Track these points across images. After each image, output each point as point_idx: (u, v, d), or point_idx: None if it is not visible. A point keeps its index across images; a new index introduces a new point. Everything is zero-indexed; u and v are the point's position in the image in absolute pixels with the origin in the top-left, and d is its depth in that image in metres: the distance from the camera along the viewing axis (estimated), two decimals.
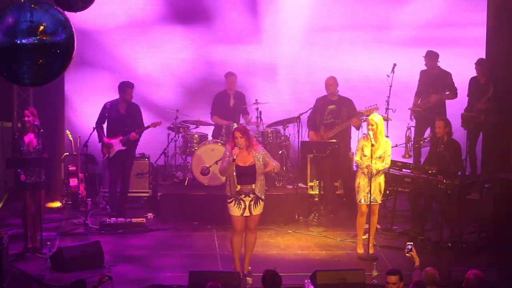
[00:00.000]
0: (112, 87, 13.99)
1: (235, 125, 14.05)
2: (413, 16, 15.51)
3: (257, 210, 10.83)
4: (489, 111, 14.22)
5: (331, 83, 13.62)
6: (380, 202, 12.06)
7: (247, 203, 10.76)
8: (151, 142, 14.79)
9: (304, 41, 15.62)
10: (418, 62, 14.80)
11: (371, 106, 13.11)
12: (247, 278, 10.53)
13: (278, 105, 15.37)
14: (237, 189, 10.73)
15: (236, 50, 15.60)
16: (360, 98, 14.00)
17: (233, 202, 10.78)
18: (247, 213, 10.79)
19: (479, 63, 14.51)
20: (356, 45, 15.59)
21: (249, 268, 10.83)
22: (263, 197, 10.83)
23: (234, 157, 10.61)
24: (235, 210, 10.78)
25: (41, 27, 7.70)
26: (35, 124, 12.01)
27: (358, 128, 13.50)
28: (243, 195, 10.75)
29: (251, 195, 10.76)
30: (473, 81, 14.58)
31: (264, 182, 10.91)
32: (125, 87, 13.36)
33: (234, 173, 10.71)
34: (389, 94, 13.85)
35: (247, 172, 10.73)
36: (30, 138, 11.96)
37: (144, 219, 13.51)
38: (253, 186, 10.75)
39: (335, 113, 13.60)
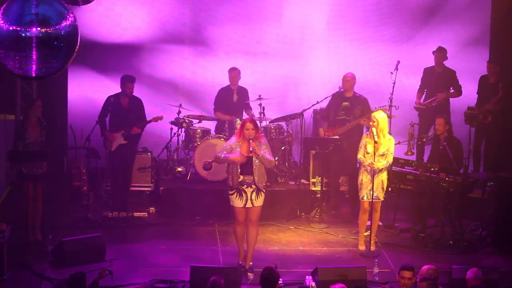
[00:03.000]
0: (116, 80, 13.97)
1: (238, 121, 14.08)
2: (415, 14, 15.50)
3: (259, 201, 10.95)
4: (498, 112, 14.19)
5: (349, 79, 13.57)
6: (382, 199, 12.05)
7: (248, 194, 10.90)
8: (154, 136, 14.81)
9: (308, 37, 15.61)
10: (422, 59, 14.81)
11: (380, 107, 13.12)
12: (249, 274, 10.54)
13: (281, 100, 15.38)
14: (239, 180, 10.86)
15: (240, 46, 15.60)
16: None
17: (235, 193, 10.92)
18: (249, 205, 10.93)
19: (492, 62, 14.45)
20: (360, 41, 15.58)
21: (250, 263, 10.88)
22: (263, 189, 10.95)
23: (251, 149, 10.74)
24: (237, 202, 10.92)
25: (45, 20, 7.70)
26: (38, 117, 12.05)
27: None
28: (245, 186, 10.89)
29: (253, 186, 10.88)
30: (482, 80, 14.54)
31: (264, 174, 11.00)
32: (125, 81, 13.37)
33: (238, 163, 10.87)
34: (392, 91, 13.83)
35: (249, 162, 10.86)
36: (34, 130, 11.99)
37: (146, 213, 13.57)
38: (252, 177, 10.87)
39: (347, 110, 13.57)
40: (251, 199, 10.92)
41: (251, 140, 10.77)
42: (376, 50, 15.54)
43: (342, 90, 13.72)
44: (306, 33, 15.62)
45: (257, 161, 10.86)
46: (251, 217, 11.01)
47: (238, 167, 10.86)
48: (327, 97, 14.01)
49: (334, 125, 13.66)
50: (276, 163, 13.72)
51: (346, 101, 13.62)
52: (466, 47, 15.41)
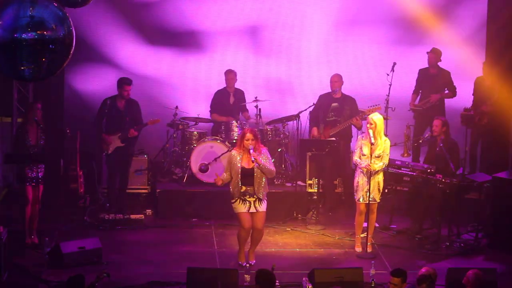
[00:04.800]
0: (112, 83, 13.97)
1: (235, 123, 14.10)
2: (412, 15, 15.50)
3: (262, 207, 11.16)
4: (494, 114, 14.19)
5: (336, 80, 13.62)
6: (378, 201, 12.04)
7: (252, 202, 11.10)
8: (150, 138, 14.79)
9: (305, 39, 15.61)
10: (417, 60, 14.82)
11: (373, 106, 13.12)
12: (245, 276, 10.54)
13: (277, 102, 15.37)
14: (241, 190, 11.04)
15: (236, 47, 15.60)
16: (359, 96, 14.02)
17: (238, 200, 11.12)
18: (252, 209, 11.11)
19: (488, 63, 14.43)
20: (357, 42, 15.58)
21: (252, 262, 11.16)
22: (265, 198, 11.17)
23: (253, 159, 10.93)
24: (240, 207, 11.10)
25: (41, 23, 7.71)
26: (36, 120, 12.05)
27: (359, 128, 13.49)
28: (248, 196, 11.08)
29: (255, 196, 11.08)
30: (477, 82, 14.53)
31: (265, 184, 11.17)
32: (122, 84, 13.37)
33: (239, 175, 11.00)
34: (389, 93, 13.84)
35: (250, 173, 11.03)
36: (33, 133, 12.00)
37: (142, 215, 13.56)
38: (253, 187, 11.06)
39: (337, 111, 13.59)
40: (254, 206, 11.12)
41: (251, 151, 10.85)
42: (373, 52, 15.53)
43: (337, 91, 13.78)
44: (303, 34, 15.61)
45: (258, 171, 10.99)
46: (257, 225, 11.19)
47: (239, 178, 11.00)
48: None
49: (324, 126, 13.68)
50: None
51: (334, 102, 13.64)
52: (462, 49, 15.39)
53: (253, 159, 10.91)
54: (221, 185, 11.31)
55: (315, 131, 13.78)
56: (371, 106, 13.11)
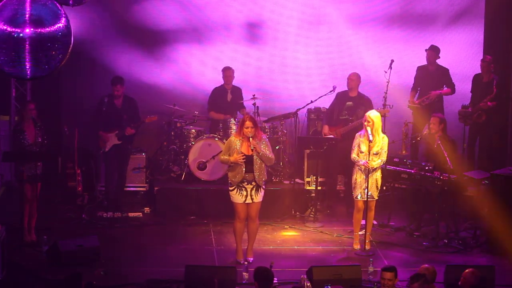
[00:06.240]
0: (109, 81, 13.95)
1: (233, 120, 14.09)
2: (410, 13, 15.50)
3: (258, 197, 11.20)
4: (492, 110, 14.18)
5: (354, 78, 13.56)
6: (377, 198, 12.04)
7: (248, 191, 11.12)
8: (148, 136, 14.78)
9: (301, 36, 15.60)
10: (415, 58, 14.82)
11: (384, 107, 13.11)
12: (244, 273, 10.55)
13: (275, 100, 15.37)
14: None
15: (235, 44, 15.58)
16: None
17: (235, 189, 11.15)
18: (249, 200, 11.17)
19: (486, 60, 14.42)
20: (354, 40, 15.57)
21: (251, 259, 11.18)
22: (263, 186, 11.19)
23: (252, 148, 10.97)
24: (237, 198, 11.15)
25: (39, 21, 7.70)
26: (33, 118, 12.05)
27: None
28: (245, 183, 11.10)
29: (253, 183, 11.10)
30: (475, 79, 14.52)
31: (264, 171, 11.20)
32: (112, 84, 13.37)
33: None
34: (387, 90, 13.83)
35: (250, 160, 11.07)
36: (30, 131, 11.99)
37: (140, 213, 13.57)
38: (253, 174, 11.08)
39: (351, 110, 13.55)
40: (251, 195, 11.15)
41: (251, 139, 10.87)
42: (371, 49, 15.53)
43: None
44: (301, 32, 15.60)
45: (258, 159, 10.99)
46: (251, 213, 11.25)
47: (243, 165, 11.03)
48: (321, 97, 14.04)
49: (336, 124, 13.65)
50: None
51: (349, 101, 13.60)
52: (460, 46, 15.40)
53: (252, 147, 10.93)
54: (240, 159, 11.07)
55: (326, 129, 13.73)
56: (381, 107, 13.09)
